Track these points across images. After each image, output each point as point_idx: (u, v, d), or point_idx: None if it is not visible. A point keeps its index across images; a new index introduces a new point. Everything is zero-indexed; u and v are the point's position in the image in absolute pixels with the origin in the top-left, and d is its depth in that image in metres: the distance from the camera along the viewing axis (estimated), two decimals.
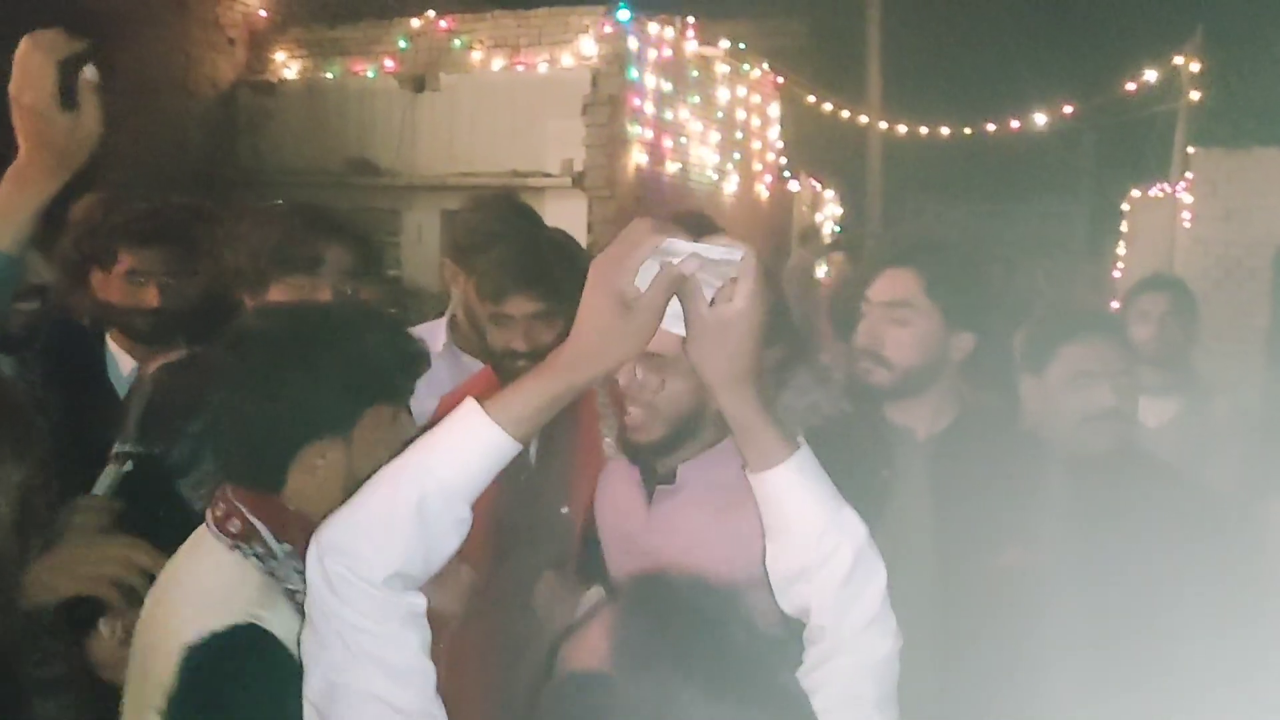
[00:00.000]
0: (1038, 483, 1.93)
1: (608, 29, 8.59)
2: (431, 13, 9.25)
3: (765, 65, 11.22)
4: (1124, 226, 11.82)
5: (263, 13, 9.98)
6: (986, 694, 1.82)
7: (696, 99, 9.74)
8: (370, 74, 9.41)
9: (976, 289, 2.08)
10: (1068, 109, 12.12)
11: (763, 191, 11.55)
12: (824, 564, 1.18)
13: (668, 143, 9.25)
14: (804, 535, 1.18)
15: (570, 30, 8.78)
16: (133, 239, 2.54)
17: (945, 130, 13.10)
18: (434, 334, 2.71)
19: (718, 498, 1.60)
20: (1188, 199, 9.37)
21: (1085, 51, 14.86)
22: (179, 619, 1.32)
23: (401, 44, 9.32)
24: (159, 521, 1.66)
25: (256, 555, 1.33)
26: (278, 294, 2.06)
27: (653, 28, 8.92)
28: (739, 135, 10.77)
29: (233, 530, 1.35)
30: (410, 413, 1.46)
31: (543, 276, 2.07)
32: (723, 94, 10.31)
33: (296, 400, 1.35)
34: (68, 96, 1.38)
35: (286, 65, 9.85)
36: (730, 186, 10.52)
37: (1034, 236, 14.02)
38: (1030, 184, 16.43)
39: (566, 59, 8.74)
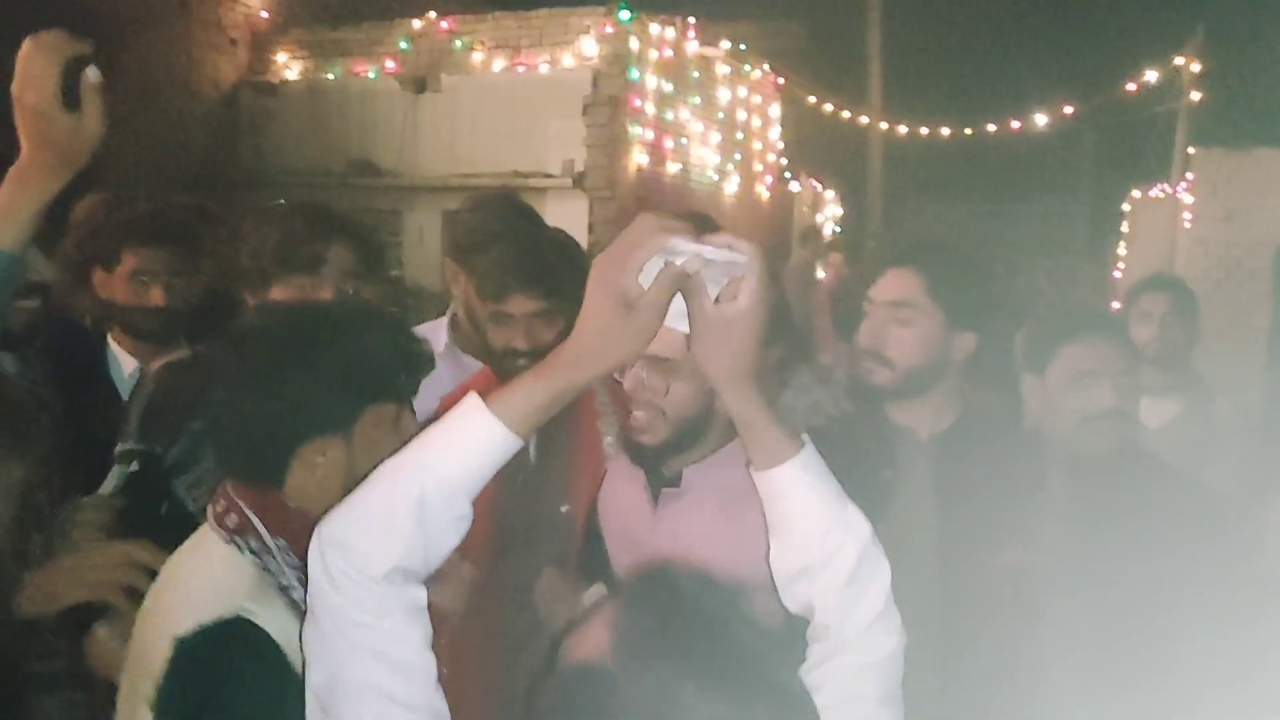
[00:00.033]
0: (1039, 483, 1.94)
1: (609, 30, 8.60)
2: (433, 14, 9.26)
3: (766, 66, 11.23)
4: (1125, 227, 11.83)
5: (264, 14, 9.99)
6: (987, 693, 1.82)
7: (697, 100, 9.74)
8: (372, 75, 9.42)
9: (979, 289, 2.08)
10: (1068, 109, 12.14)
11: (763, 192, 11.56)
12: (828, 562, 1.18)
13: (669, 143, 9.25)
14: (808, 533, 1.19)
15: (571, 31, 8.79)
16: (138, 239, 2.55)
17: (946, 131, 13.12)
18: (435, 334, 2.71)
19: (723, 501, 1.60)
20: (1188, 199, 9.37)
21: (1085, 52, 14.88)
22: (172, 612, 1.33)
23: (403, 45, 9.33)
24: (164, 519, 1.66)
25: (251, 550, 1.33)
26: (280, 293, 2.07)
27: (654, 28, 8.93)
28: (740, 136, 10.78)
29: (229, 525, 1.35)
30: (413, 411, 1.46)
31: (543, 275, 2.07)
32: (723, 95, 10.32)
33: (296, 397, 1.35)
34: (70, 97, 1.39)
35: (288, 66, 9.86)
36: (731, 187, 10.53)
37: (1034, 237, 14.04)
38: (1031, 184, 16.43)
39: (567, 60, 8.74)
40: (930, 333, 1.97)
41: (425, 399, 1.55)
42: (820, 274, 9.53)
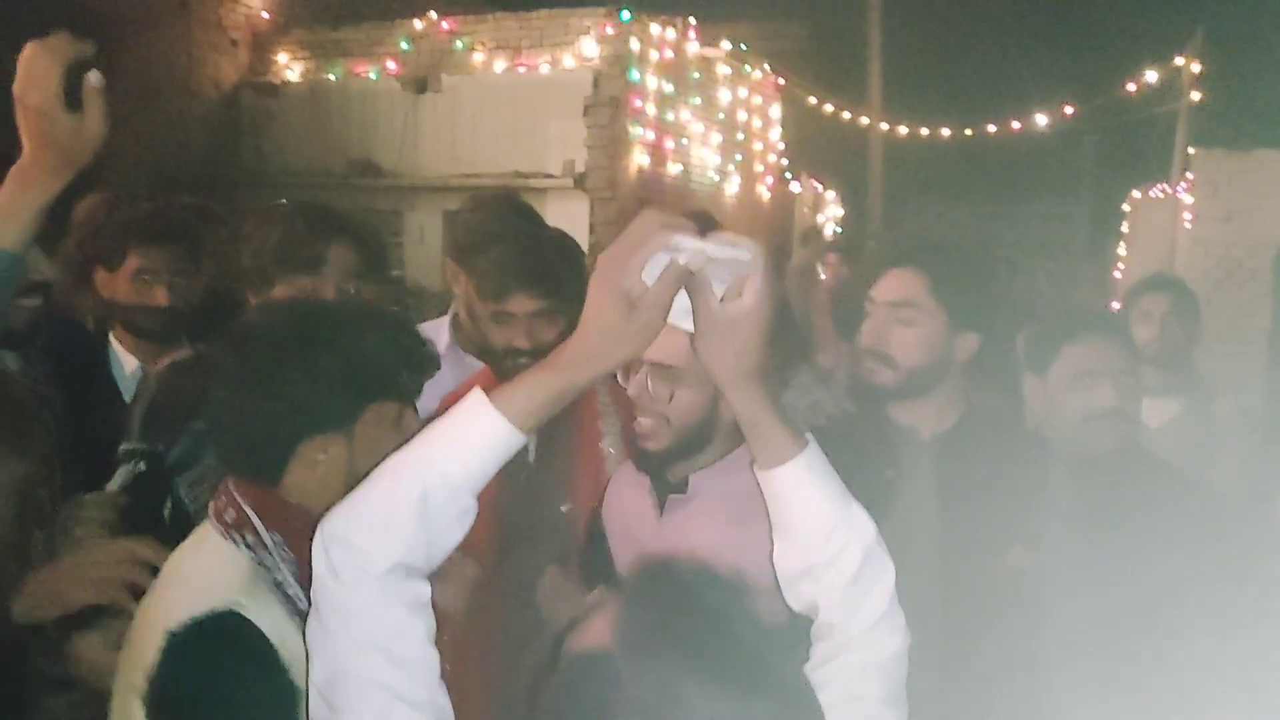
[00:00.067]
0: (1041, 483, 1.94)
1: (609, 30, 8.60)
2: (433, 14, 9.26)
3: (767, 67, 11.23)
4: (1125, 227, 11.82)
5: (265, 14, 9.99)
6: (990, 693, 1.82)
7: (698, 100, 9.74)
8: (372, 75, 9.42)
9: (981, 289, 2.08)
10: (1068, 110, 12.13)
11: (764, 193, 11.55)
12: (832, 561, 1.18)
13: (669, 144, 9.24)
14: (812, 532, 1.18)
15: (572, 32, 8.78)
16: (141, 238, 2.55)
17: (946, 131, 13.11)
18: (437, 333, 2.71)
19: (730, 507, 1.59)
20: (1188, 200, 9.36)
21: (1086, 52, 14.89)
22: (167, 605, 1.33)
23: (404, 45, 9.33)
24: (167, 518, 1.66)
25: (248, 545, 1.33)
26: (281, 293, 2.07)
27: (654, 29, 8.92)
28: (740, 137, 10.77)
29: (227, 520, 1.36)
30: (416, 410, 1.46)
31: (544, 274, 2.07)
32: (724, 95, 10.32)
33: (296, 396, 1.35)
34: (72, 98, 1.40)
35: (289, 67, 9.86)
36: (732, 188, 10.52)
37: (1035, 237, 14.04)
38: (1031, 185, 16.43)
39: (568, 60, 8.74)
40: (933, 333, 1.97)
41: (427, 398, 1.56)
42: (821, 274, 9.52)
